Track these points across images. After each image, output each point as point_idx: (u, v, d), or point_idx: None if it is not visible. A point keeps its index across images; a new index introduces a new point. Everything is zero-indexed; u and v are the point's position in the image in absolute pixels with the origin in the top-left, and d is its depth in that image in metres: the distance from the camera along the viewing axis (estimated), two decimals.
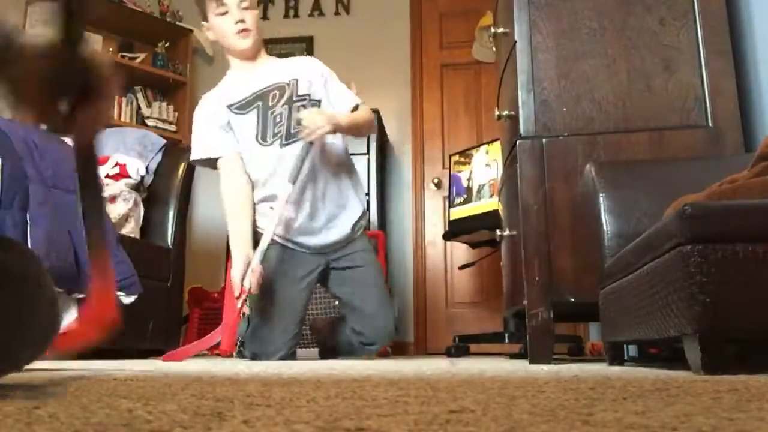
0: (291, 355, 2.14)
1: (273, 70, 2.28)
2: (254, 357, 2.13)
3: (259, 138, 2.19)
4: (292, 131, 2.17)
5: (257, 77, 2.26)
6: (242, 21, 2.20)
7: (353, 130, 2.32)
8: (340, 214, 2.22)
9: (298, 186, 2.14)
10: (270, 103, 2.21)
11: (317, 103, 2.24)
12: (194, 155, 2.26)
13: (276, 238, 2.16)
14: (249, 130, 2.20)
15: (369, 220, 3.42)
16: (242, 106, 2.23)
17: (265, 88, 2.23)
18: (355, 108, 2.30)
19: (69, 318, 2.10)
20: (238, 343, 2.37)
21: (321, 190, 2.19)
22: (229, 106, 2.23)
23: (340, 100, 2.30)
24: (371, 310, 2.19)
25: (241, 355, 2.51)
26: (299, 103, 2.21)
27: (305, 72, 2.28)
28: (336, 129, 2.16)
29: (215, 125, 2.22)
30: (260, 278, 2.05)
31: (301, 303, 2.18)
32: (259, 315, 2.14)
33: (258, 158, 2.19)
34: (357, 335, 2.22)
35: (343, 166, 2.29)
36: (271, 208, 2.18)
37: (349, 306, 2.25)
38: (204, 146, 2.23)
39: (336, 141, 2.27)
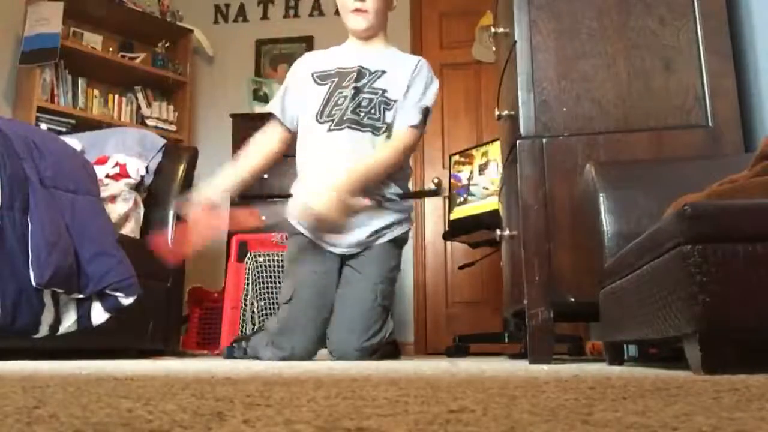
0: (310, 356, 2.06)
1: (370, 55, 2.22)
2: (277, 356, 2.02)
3: (318, 115, 2.14)
4: (345, 118, 2.10)
5: (352, 55, 2.22)
6: (361, 1, 2.18)
7: (372, 179, 2.09)
8: (368, 219, 2.12)
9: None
10: (343, 83, 2.15)
11: (391, 103, 2.14)
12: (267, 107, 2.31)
13: (303, 231, 2.12)
14: (314, 105, 2.15)
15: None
16: (322, 77, 2.19)
17: (348, 67, 2.18)
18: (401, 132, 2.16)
19: (69, 318, 2.10)
20: (243, 343, 2.34)
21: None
22: (313, 73, 2.21)
23: (404, 112, 2.14)
24: (345, 322, 2.06)
25: (231, 355, 2.43)
26: (367, 95, 2.13)
27: (401, 69, 2.18)
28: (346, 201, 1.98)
29: (290, 89, 2.25)
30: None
31: (329, 296, 2.09)
32: (289, 308, 2.06)
33: (310, 136, 2.15)
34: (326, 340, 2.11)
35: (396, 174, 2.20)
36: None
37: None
38: (273, 102, 2.28)
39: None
